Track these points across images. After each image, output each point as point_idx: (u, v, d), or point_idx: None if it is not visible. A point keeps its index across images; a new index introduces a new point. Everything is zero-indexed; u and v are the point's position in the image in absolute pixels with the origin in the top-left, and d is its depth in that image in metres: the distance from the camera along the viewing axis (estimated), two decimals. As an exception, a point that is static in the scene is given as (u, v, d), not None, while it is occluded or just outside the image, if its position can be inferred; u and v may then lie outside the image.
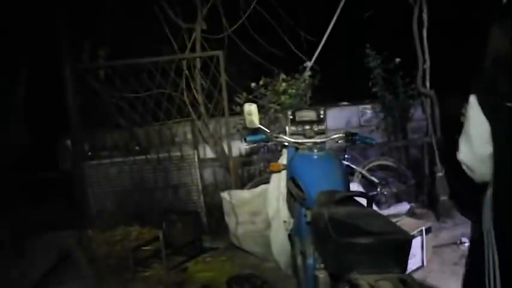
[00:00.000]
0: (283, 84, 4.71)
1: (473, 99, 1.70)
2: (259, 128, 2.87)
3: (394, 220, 3.42)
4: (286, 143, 2.85)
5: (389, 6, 4.70)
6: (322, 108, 3.24)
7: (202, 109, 4.34)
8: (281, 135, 2.83)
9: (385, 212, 3.52)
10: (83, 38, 4.44)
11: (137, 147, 4.67)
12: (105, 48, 4.48)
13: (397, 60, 4.70)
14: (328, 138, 2.77)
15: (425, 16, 4.42)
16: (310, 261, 2.13)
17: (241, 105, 4.59)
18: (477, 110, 1.69)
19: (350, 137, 2.82)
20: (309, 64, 4.91)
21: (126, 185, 4.40)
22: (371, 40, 4.84)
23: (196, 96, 4.34)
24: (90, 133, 4.73)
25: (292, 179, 2.63)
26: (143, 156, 4.33)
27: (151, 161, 4.33)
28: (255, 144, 2.88)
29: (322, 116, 2.95)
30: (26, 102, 4.86)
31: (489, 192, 1.76)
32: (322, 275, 1.93)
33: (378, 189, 4.36)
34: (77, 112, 4.38)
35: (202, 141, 4.51)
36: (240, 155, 4.65)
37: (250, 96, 4.68)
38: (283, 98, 4.75)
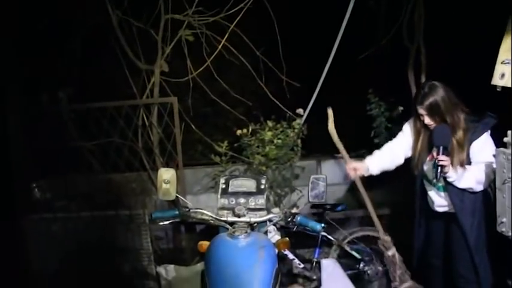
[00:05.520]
0: (269, 133, 4.15)
1: None
2: (177, 199, 2.25)
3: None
4: (212, 221, 2.21)
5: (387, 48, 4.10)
6: (264, 176, 2.61)
7: (158, 161, 3.77)
8: (203, 211, 2.19)
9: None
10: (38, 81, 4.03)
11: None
12: (66, 90, 4.03)
13: (400, 108, 4.08)
14: (260, 219, 2.11)
15: (423, 60, 3.76)
16: None
17: (221, 156, 4.12)
18: None
19: (290, 217, 2.14)
20: (301, 111, 4.30)
21: (69, 246, 3.82)
22: (373, 85, 4.25)
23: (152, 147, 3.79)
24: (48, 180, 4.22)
25: (202, 275, 1.98)
26: (89, 213, 3.77)
27: (98, 219, 3.76)
28: (166, 222, 2.24)
29: (263, 187, 2.29)
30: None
31: None
32: None
33: (360, 266, 3.56)
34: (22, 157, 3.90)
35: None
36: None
37: (235, 145, 4.19)
38: (267, 148, 4.18)
